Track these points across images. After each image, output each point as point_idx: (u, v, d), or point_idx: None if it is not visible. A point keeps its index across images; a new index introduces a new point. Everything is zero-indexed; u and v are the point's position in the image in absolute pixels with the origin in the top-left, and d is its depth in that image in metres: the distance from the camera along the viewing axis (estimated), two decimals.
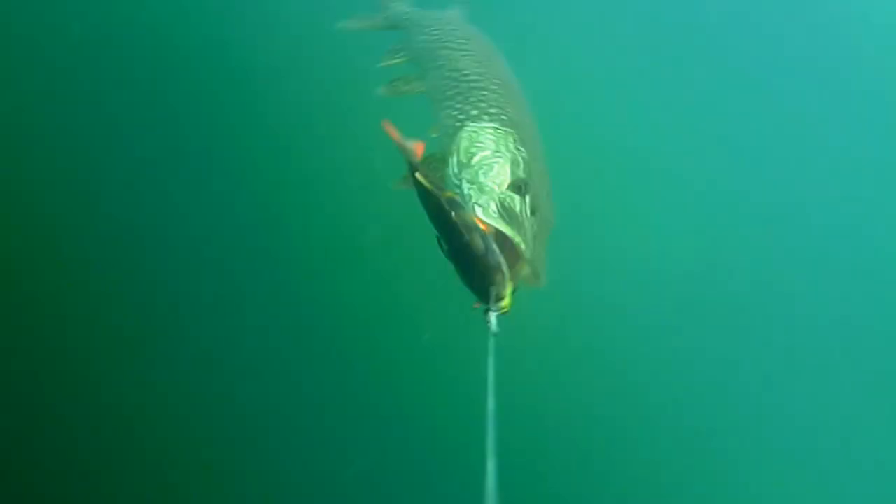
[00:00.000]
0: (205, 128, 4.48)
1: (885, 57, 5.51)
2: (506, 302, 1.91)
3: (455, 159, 2.61)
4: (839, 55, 5.62)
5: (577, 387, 4.17)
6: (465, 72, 3.05)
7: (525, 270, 2.25)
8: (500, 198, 2.38)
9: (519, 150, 2.63)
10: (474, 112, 2.83)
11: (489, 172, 2.49)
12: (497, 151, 2.60)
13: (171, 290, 4.18)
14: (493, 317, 1.90)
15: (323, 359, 4.14)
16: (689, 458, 4.23)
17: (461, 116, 2.85)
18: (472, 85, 2.96)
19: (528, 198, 2.42)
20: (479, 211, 2.29)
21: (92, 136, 4.41)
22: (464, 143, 2.65)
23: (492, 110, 2.84)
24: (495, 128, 2.72)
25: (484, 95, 2.89)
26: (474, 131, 2.70)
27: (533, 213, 2.42)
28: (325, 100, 4.56)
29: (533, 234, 2.36)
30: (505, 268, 1.95)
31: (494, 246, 1.99)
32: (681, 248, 4.61)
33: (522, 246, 2.27)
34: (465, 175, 2.52)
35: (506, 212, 2.34)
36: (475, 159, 2.56)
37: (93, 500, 3.86)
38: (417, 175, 2.18)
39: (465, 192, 2.44)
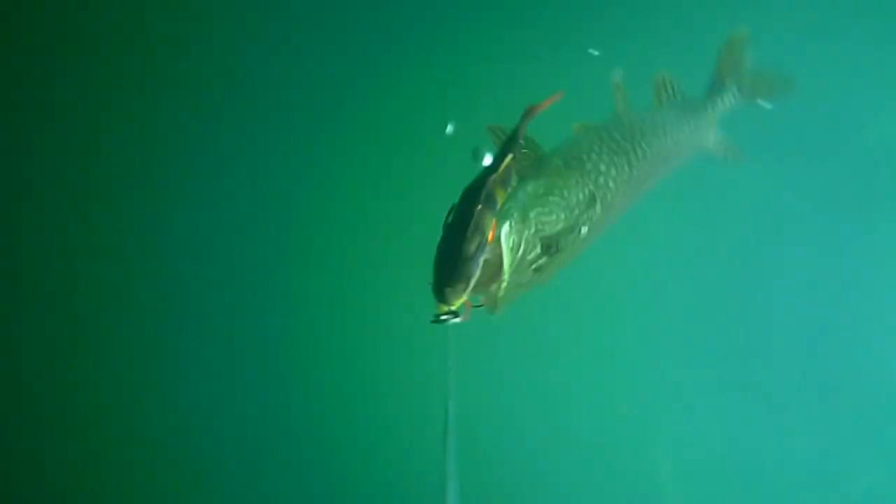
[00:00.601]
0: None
1: None
2: (446, 307, 1.89)
3: (534, 180, 2.50)
4: None
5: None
6: (617, 136, 2.93)
7: (489, 298, 2.21)
8: (525, 238, 2.31)
9: (582, 227, 2.57)
10: (601, 170, 2.74)
11: (543, 215, 2.42)
12: (569, 209, 2.53)
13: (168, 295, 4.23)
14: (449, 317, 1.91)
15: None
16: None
17: (576, 162, 2.70)
18: (614, 147, 2.87)
19: (544, 259, 2.38)
20: (503, 228, 2.19)
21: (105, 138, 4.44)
22: (558, 181, 2.56)
23: (609, 183, 2.75)
24: (591, 196, 2.65)
25: (615, 169, 2.81)
26: (575, 182, 2.62)
27: (536, 271, 2.37)
28: None
29: (520, 283, 2.31)
30: (470, 283, 1.91)
31: (480, 260, 1.95)
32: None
33: (504, 284, 2.21)
34: (525, 197, 2.42)
35: (519, 251, 2.28)
36: (551, 196, 2.49)
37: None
38: (508, 157, 2.14)
39: (508, 205, 2.31)
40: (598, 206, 2.67)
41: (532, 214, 2.38)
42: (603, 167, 2.77)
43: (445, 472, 1.60)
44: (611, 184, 2.75)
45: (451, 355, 1.84)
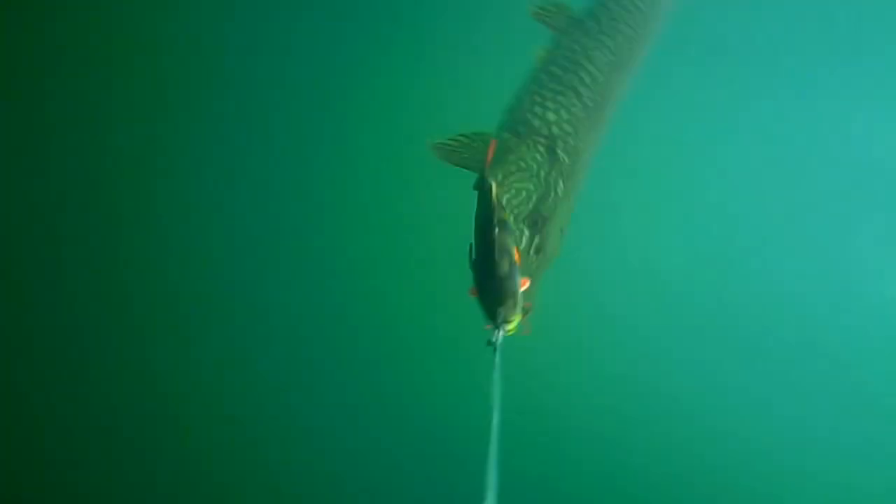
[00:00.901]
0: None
1: None
2: (510, 326, 1.99)
3: (495, 169, 2.46)
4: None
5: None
6: (556, 70, 2.76)
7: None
8: (515, 232, 2.29)
9: (557, 183, 2.50)
10: (550, 120, 2.62)
11: (516, 197, 2.39)
12: (534, 177, 2.47)
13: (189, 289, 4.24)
14: (499, 332, 1.97)
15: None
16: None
17: (523, 126, 2.62)
18: (555, 86, 2.72)
19: (538, 238, 2.36)
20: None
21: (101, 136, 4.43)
22: (511, 157, 2.50)
23: (564, 127, 2.62)
24: (549, 150, 2.55)
25: (565, 110, 2.66)
26: (527, 146, 2.54)
27: (538, 252, 2.36)
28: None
29: (531, 270, 2.31)
30: (518, 297, 2.01)
31: (517, 276, 2.04)
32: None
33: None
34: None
35: (524, 243, 2.31)
36: (511, 177, 2.44)
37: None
38: (491, 184, 2.18)
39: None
40: (563, 156, 2.56)
41: (503, 202, 2.34)
42: (551, 115, 2.62)
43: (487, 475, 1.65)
44: (566, 127, 2.62)
45: (497, 369, 1.88)
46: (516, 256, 2.08)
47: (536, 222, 2.37)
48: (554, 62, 2.81)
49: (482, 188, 2.19)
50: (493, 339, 1.95)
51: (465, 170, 2.51)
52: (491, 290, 2.00)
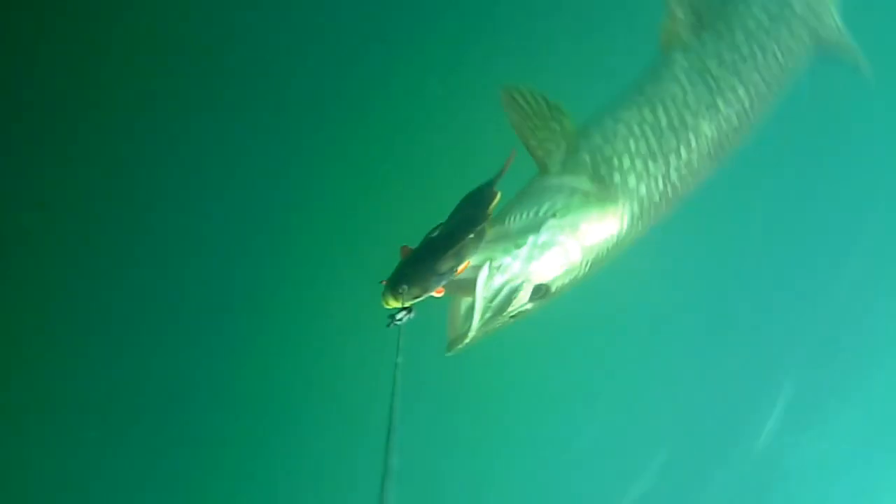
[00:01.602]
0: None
1: None
2: (392, 302, 1.92)
3: (546, 209, 2.24)
4: None
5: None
6: (661, 117, 2.36)
7: (454, 334, 2.20)
8: (511, 288, 2.16)
9: (591, 261, 2.27)
10: (629, 180, 2.30)
11: (543, 254, 2.19)
12: (588, 252, 2.25)
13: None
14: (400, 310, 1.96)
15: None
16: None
17: (607, 161, 2.31)
18: (653, 144, 2.34)
19: (529, 306, 2.20)
20: (482, 273, 2.12)
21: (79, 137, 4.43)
22: (575, 210, 2.24)
23: (640, 201, 2.31)
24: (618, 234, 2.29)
25: (650, 172, 2.32)
26: (594, 207, 2.26)
27: (514, 317, 2.20)
28: None
29: (493, 326, 2.18)
30: (422, 296, 1.97)
31: (442, 281, 2.00)
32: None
33: (474, 326, 2.13)
34: (526, 235, 2.20)
35: (501, 299, 2.16)
36: (558, 231, 2.21)
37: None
38: (495, 193, 2.14)
39: (506, 250, 2.18)
40: (625, 232, 2.30)
41: (527, 254, 2.17)
42: (632, 181, 2.27)
43: (386, 469, 1.59)
44: (644, 205, 2.32)
45: (399, 353, 1.83)
46: (460, 269, 2.04)
47: (539, 290, 2.20)
48: (663, 103, 2.41)
49: (485, 190, 2.14)
50: (395, 319, 1.94)
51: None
52: (417, 267, 1.95)
